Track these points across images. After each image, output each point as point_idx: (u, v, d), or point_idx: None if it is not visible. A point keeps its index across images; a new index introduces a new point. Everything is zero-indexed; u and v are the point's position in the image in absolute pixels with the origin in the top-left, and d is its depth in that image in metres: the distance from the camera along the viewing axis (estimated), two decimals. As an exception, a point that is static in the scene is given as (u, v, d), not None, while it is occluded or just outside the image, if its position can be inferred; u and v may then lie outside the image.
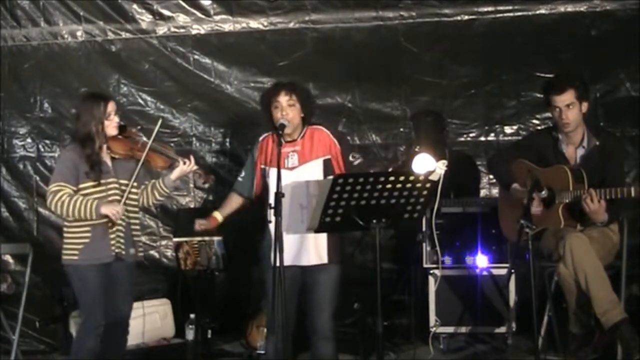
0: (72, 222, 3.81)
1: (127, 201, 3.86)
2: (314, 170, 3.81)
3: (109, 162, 3.86)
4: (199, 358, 4.82)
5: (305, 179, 3.78)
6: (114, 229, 3.79)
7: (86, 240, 3.76)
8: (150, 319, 4.99)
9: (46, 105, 5.74)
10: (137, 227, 3.97)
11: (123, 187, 3.83)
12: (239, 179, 4.05)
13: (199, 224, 4.03)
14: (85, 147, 3.77)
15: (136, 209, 3.95)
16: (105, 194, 3.81)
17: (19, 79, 5.77)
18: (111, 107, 3.83)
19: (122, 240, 3.82)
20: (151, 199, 4.03)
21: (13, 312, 4.85)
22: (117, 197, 3.81)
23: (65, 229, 3.86)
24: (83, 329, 3.81)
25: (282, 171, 3.65)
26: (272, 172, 3.76)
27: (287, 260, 3.65)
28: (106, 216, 3.72)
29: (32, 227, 5.71)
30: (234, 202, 4.07)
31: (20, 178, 5.73)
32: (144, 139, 3.98)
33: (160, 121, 4.07)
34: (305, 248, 3.75)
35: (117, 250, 3.81)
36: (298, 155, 3.82)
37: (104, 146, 3.85)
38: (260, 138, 3.97)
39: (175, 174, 3.93)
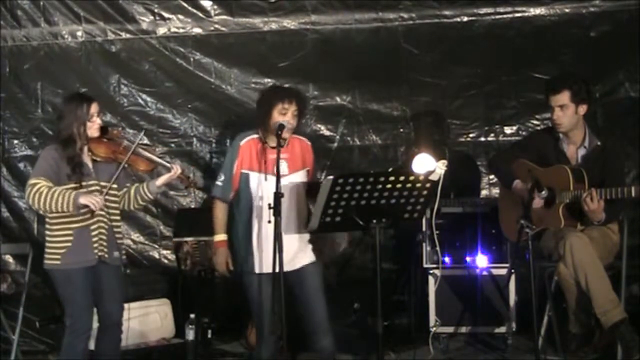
0: (54, 225, 3.75)
1: (109, 204, 3.80)
2: (300, 179, 3.83)
3: (90, 164, 3.81)
4: (199, 358, 4.81)
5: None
6: (97, 232, 3.74)
7: (68, 245, 3.71)
8: (150, 319, 5.00)
9: (46, 105, 5.74)
10: (120, 230, 3.92)
11: (104, 190, 3.76)
12: (219, 183, 3.87)
13: (226, 268, 3.91)
14: (67, 148, 3.71)
15: (117, 212, 3.89)
16: None
17: (19, 79, 5.76)
18: (94, 108, 3.77)
19: (104, 244, 3.77)
20: (133, 204, 3.95)
21: (13, 312, 4.85)
22: (83, 210, 3.70)
23: (47, 232, 3.80)
24: (70, 333, 3.74)
25: (270, 177, 3.67)
26: (254, 177, 3.75)
27: (271, 267, 3.59)
28: (85, 206, 3.64)
29: (32, 227, 5.69)
30: (223, 211, 3.92)
31: (21, 178, 5.70)
32: (127, 141, 3.89)
33: (143, 131, 4.05)
34: (293, 252, 3.74)
35: (100, 254, 3.76)
36: (287, 163, 3.81)
37: (85, 148, 3.79)
38: (241, 142, 3.85)
39: (160, 180, 3.89)
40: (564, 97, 4.00)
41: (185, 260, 4.98)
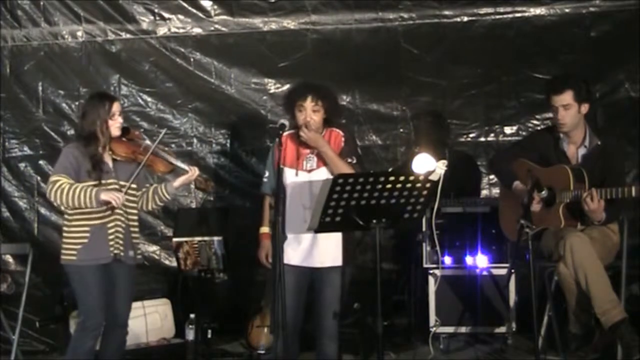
0: (72, 221, 3.80)
1: (127, 203, 3.85)
2: (329, 173, 3.79)
3: (110, 163, 3.86)
4: (199, 358, 4.82)
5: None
6: (113, 230, 3.79)
7: (85, 241, 3.75)
8: (150, 319, 5.00)
9: (47, 105, 5.74)
10: (136, 230, 3.96)
11: (123, 189, 3.81)
12: (265, 179, 3.97)
13: (266, 260, 3.91)
14: (89, 146, 3.77)
15: (135, 212, 3.94)
16: None
17: (19, 79, 5.77)
18: (116, 107, 3.83)
19: (121, 242, 3.82)
20: (151, 204, 4.01)
21: (13, 312, 4.86)
22: (103, 206, 3.76)
23: (64, 229, 3.85)
24: (81, 329, 3.79)
25: (300, 172, 3.74)
26: (287, 172, 3.77)
27: (298, 260, 3.72)
28: (107, 202, 3.70)
29: (33, 227, 5.70)
30: (271, 205, 3.96)
31: (21, 178, 5.74)
32: (147, 142, 3.95)
33: (164, 130, 4.09)
34: (319, 249, 3.75)
35: (115, 252, 3.80)
36: (317, 158, 3.82)
37: (107, 147, 3.84)
38: (278, 138, 3.89)
39: (178, 181, 3.93)
40: (567, 97, 4.00)
41: (185, 260, 4.98)
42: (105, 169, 3.81)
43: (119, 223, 3.82)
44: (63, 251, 3.81)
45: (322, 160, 3.80)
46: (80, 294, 3.80)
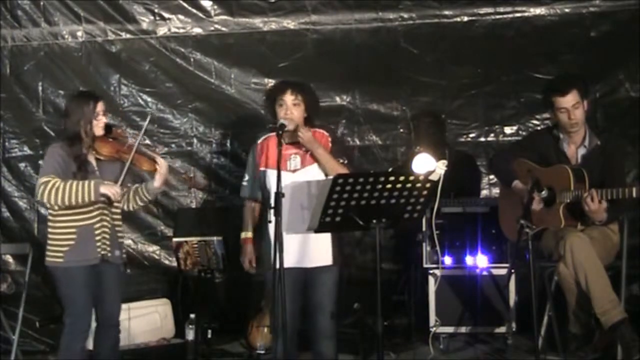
0: (56, 222, 3.74)
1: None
2: (315, 173, 3.81)
3: (94, 163, 3.81)
4: (199, 358, 4.82)
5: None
6: (100, 230, 3.74)
7: (71, 242, 3.70)
8: (150, 319, 5.00)
9: (47, 105, 5.74)
10: (121, 229, 3.93)
11: (117, 184, 3.76)
12: (244, 183, 3.97)
13: (249, 265, 3.96)
14: (74, 146, 3.72)
15: (119, 211, 3.90)
16: None
17: (19, 79, 5.77)
18: (100, 107, 3.78)
19: (107, 242, 3.77)
20: (132, 204, 3.95)
21: (13, 312, 4.86)
22: (102, 198, 3.75)
23: (49, 230, 3.78)
24: (70, 332, 3.73)
25: (284, 173, 3.67)
26: (272, 174, 3.75)
27: (290, 262, 3.68)
28: (105, 196, 3.68)
29: (33, 227, 5.69)
30: (252, 209, 4.00)
31: (21, 178, 5.73)
32: (130, 140, 3.89)
33: (148, 117, 4.04)
34: (309, 250, 3.75)
35: (102, 252, 3.76)
36: (300, 158, 3.82)
37: (91, 147, 3.79)
38: (259, 140, 3.94)
39: (158, 181, 3.85)
40: (575, 96, 4.00)
41: (185, 260, 4.98)
42: (90, 169, 3.77)
43: (105, 223, 3.78)
44: (48, 253, 3.74)
45: (307, 160, 3.80)
46: (68, 296, 3.74)
